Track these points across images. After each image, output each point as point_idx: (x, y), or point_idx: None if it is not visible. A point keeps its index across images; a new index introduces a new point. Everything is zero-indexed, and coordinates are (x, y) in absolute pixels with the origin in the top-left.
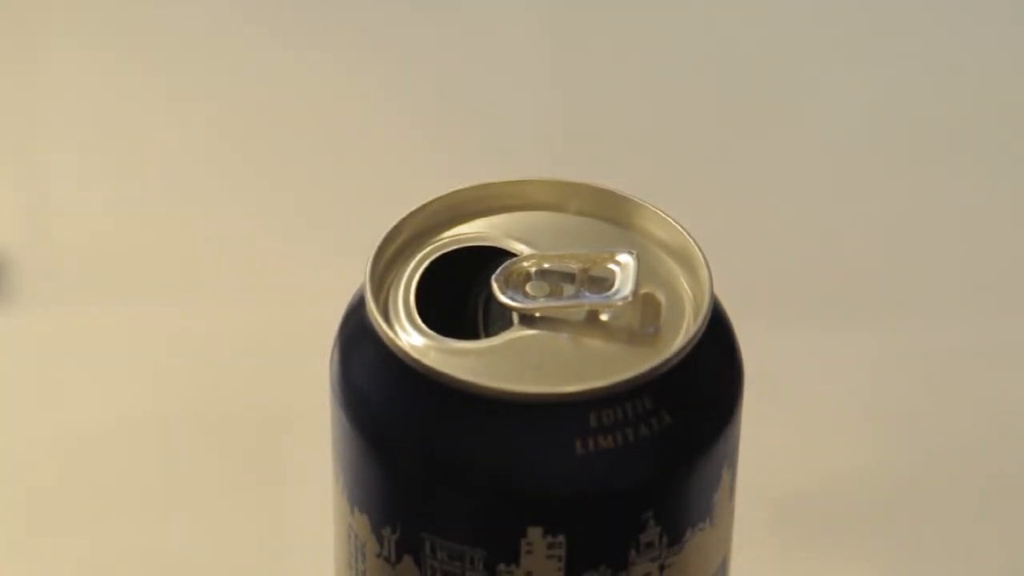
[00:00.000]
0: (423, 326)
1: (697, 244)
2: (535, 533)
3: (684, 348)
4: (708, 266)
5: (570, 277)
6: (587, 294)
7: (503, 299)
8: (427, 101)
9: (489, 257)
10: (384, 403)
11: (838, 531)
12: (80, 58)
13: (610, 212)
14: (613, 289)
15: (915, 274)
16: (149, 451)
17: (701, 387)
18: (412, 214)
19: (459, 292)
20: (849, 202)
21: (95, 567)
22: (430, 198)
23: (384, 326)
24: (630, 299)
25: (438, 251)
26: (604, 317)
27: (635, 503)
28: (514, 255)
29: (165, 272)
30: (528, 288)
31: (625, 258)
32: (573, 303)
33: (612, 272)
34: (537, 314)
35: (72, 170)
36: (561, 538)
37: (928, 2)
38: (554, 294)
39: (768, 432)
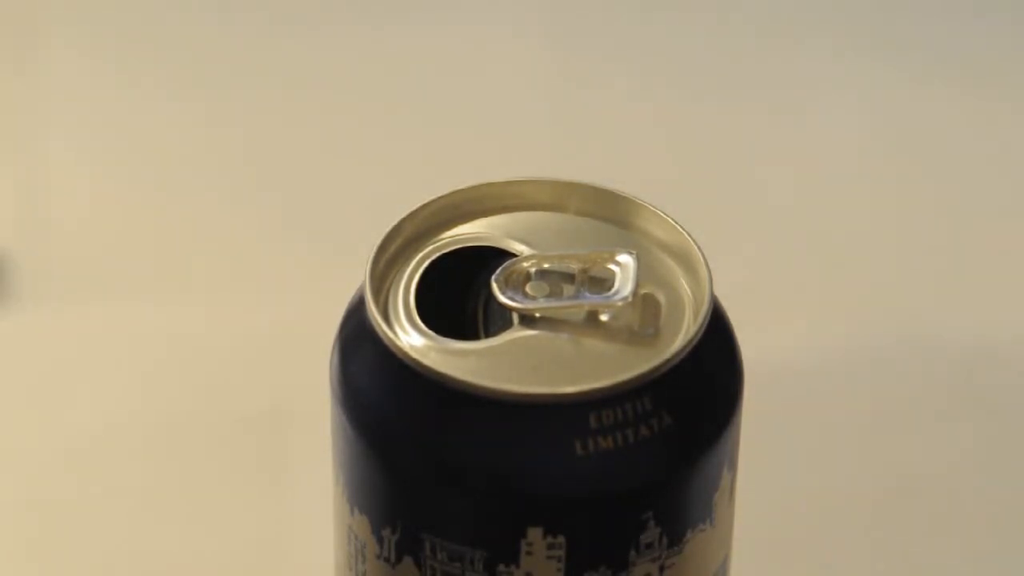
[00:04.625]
0: (423, 326)
1: (697, 244)
2: (535, 534)
3: (684, 348)
4: (708, 266)
5: (570, 277)
6: (587, 294)
7: (503, 299)
8: (427, 101)
9: (489, 257)
10: (384, 403)
11: (838, 531)
12: (80, 59)
13: (610, 212)
14: (613, 289)
15: (916, 274)
16: (149, 451)
17: (701, 387)
18: (412, 214)
19: (459, 292)
20: (850, 202)
21: (94, 567)
22: (430, 198)
23: (384, 326)
24: (630, 299)
25: (438, 251)
26: (604, 317)
27: (635, 504)
28: (514, 255)
29: (165, 272)
30: (528, 288)
31: (625, 258)
32: (573, 303)
33: (612, 272)
34: (537, 314)
35: (72, 170)
36: (561, 539)
37: (928, 6)
38: (554, 294)
39: (768, 432)
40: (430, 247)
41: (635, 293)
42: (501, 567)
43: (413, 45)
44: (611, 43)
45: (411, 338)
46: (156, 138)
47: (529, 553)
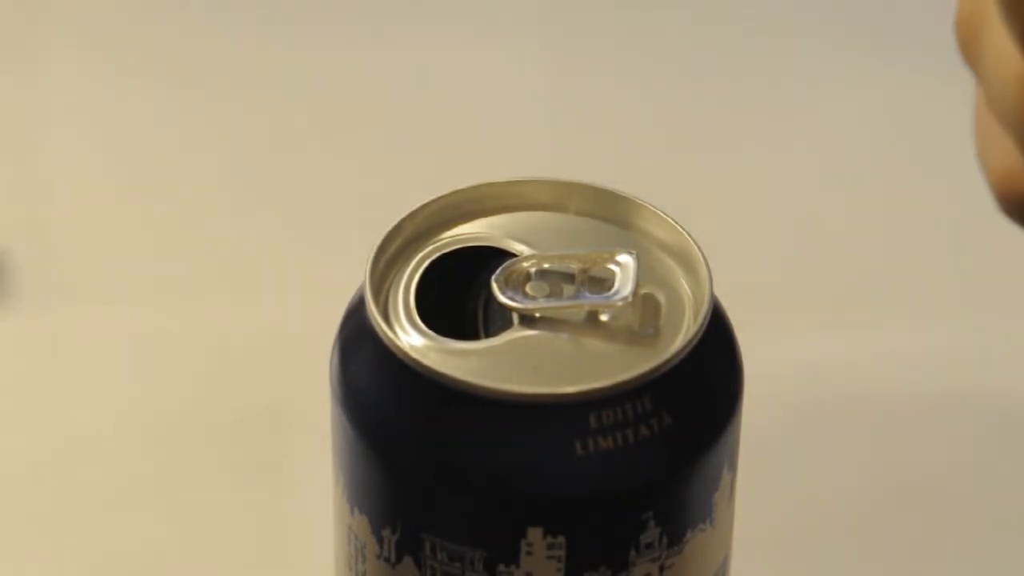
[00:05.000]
0: (423, 326)
1: (697, 244)
2: (535, 534)
3: (684, 348)
4: (708, 266)
5: (570, 277)
6: (587, 294)
7: (503, 299)
8: (427, 101)
9: (489, 257)
10: (384, 403)
11: (839, 531)
12: (80, 59)
13: (610, 212)
14: (613, 289)
15: (916, 274)
16: (148, 451)
17: (701, 387)
18: (412, 214)
19: (459, 292)
20: (849, 202)
21: (94, 567)
22: (430, 198)
23: (384, 326)
24: (630, 299)
25: (438, 251)
26: (604, 317)
27: (635, 504)
28: (514, 255)
29: (165, 273)
30: (528, 288)
31: (625, 258)
32: (573, 303)
33: (612, 272)
34: (537, 314)
35: (72, 170)
36: (561, 539)
37: (928, 4)
38: (554, 294)
39: (768, 432)
40: (430, 247)
41: (635, 293)
42: (501, 567)
43: (413, 45)
44: (610, 43)
45: (411, 338)
46: (156, 138)
47: (529, 553)
